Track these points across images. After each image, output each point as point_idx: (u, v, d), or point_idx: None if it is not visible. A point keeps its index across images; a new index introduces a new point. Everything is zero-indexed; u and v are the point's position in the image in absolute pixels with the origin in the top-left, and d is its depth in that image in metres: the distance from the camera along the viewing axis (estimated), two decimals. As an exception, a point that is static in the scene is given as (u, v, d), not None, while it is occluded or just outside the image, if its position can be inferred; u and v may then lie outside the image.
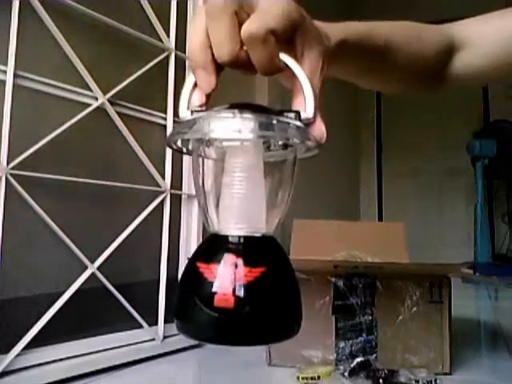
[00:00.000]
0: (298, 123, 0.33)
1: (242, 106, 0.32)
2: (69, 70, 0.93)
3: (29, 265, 0.86)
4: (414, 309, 0.86)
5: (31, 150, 0.83)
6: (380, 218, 3.46)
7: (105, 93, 0.97)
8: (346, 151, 3.27)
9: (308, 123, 0.34)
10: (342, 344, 0.86)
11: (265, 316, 0.31)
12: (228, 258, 0.31)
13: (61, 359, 0.82)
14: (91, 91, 0.95)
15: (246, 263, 0.31)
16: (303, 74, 0.34)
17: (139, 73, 1.04)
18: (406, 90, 0.60)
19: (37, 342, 0.79)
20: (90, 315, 0.93)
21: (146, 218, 1.01)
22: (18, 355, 0.76)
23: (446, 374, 0.84)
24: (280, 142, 0.36)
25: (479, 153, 2.79)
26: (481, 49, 0.55)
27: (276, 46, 0.32)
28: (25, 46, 0.84)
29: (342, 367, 0.84)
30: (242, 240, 0.32)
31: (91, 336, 0.88)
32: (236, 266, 0.31)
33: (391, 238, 1.08)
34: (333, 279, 0.88)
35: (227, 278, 0.30)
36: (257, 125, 0.31)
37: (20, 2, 0.83)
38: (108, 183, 0.97)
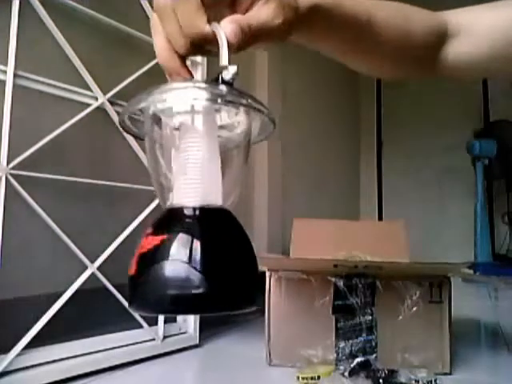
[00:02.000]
0: (249, 93, 0.34)
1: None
2: (69, 70, 0.93)
3: (29, 265, 0.86)
4: (414, 309, 0.86)
5: (31, 150, 0.83)
6: (380, 218, 3.46)
7: (105, 93, 0.97)
8: (346, 151, 3.27)
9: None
10: (341, 344, 0.86)
11: (166, 283, 0.31)
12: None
13: (61, 359, 0.82)
14: (91, 91, 0.95)
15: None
16: (219, 28, 0.34)
17: (139, 73, 1.04)
18: (393, 74, 0.57)
19: (37, 342, 0.79)
20: (89, 315, 0.93)
21: (146, 218, 1.01)
22: (18, 355, 0.76)
23: (445, 373, 0.84)
24: (240, 122, 0.36)
25: (479, 153, 2.78)
26: (476, 38, 0.54)
27: (195, 14, 0.34)
28: (25, 45, 0.84)
29: (342, 367, 0.84)
30: (197, 212, 0.33)
31: (91, 336, 0.88)
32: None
33: (392, 236, 1.08)
34: (333, 279, 0.88)
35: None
36: (211, 93, 0.33)
37: (20, 2, 0.83)
38: (108, 183, 0.97)
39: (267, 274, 0.91)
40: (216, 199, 0.34)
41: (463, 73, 0.58)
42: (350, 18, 0.45)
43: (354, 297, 0.87)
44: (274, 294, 0.90)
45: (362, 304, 0.87)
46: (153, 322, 0.98)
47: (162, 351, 0.96)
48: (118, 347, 0.90)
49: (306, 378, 0.79)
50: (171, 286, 0.31)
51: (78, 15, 0.96)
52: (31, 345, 0.78)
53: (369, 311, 0.86)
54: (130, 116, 0.37)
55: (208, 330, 1.09)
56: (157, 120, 0.36)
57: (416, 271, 0.90)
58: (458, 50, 0.54)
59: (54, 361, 0.81)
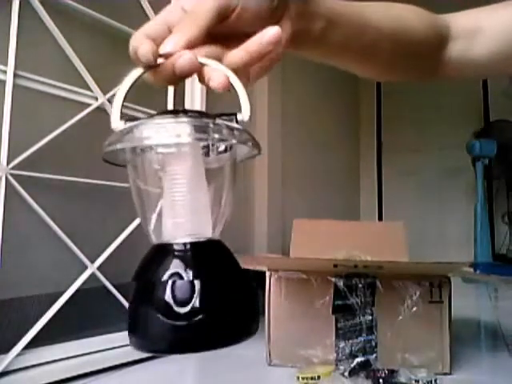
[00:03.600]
0: (235, 125, 0.32)
1: (177, 112, 0.32)
2: (69, 69, 0.93)
3: (29, 265, 0.86)
4: (414, 309, 0.86)
5: (31, 150, 0.83)
6: (380, 218, 3.46)
7: (105, 93, 0.97)
8: (346, 151, 3.27)
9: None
10: (341, 344, 0.86)
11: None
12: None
13: (61, 359, 0.82)
14: (91, 91, 0.95)
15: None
16: (234, 76, 0.33)
17: (139, 73, 1.04)
18: (392, 77, 0.56)
19: (37, 342, 0.79)
20: (90, 315, 0.93)
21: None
22: (18, 355, 0.76)
23: (445, 373, 0.84)
24: (221, 147, 0.35)
25: (479, 153, 2.78)
26: (481, 40, 0.53)
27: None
28: (25, 45, 0.84)
29: (342, 367, 0.84)
30: (188, 247, 0.32)
31: (91, 336, 0.88)
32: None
33: (391, 237, 1.08)
34: (333, 279, 0.88)
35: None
36: (192, 128, 0.31)
37: (20, 2, 0.83)
38: (108, 183, 0.97)
39: (267, 274, 0.91)
40: (206, 231, 0.33)
41: (466, 74, 0.57)
42: (344, 17, 0.43)
43: (354, 297, 0.87)
44: (274, 294, 0.90)
45: (362, 304, 0.87)
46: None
47: (161, 351, 0.96)
48: (118, 347, 0.90)
49: (306, 378, 0.79)
50: (169, 326, 0.30)
51: (77, 15, 0.96)
52: (31, 345, 0.78)
53: (369, 311, 0.86)
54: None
55: (208, 330, 1.09)
56: (139, 150, 0.34)
57: (416, 271, 0.90)
58: (461, 52, 0.54)
59: (54, 361, 0.81)
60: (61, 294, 0.84)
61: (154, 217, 0.34)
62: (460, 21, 0.55)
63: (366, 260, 0.99)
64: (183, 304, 0.30)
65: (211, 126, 0.31)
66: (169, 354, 0.32)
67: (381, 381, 0.79)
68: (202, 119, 0.31)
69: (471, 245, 2.82)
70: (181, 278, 0.30)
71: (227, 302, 0.31)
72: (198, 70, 0.33)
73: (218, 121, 0.32)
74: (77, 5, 0.94)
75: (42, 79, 0.87)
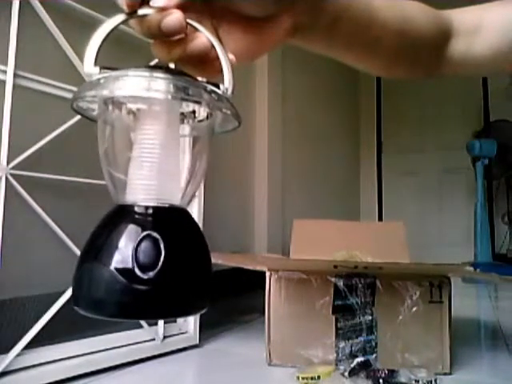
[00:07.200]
0: (217, 90, 0.31)
1: (159, 67, 0.30)
2: (69, 69, 0.93)
3: (29, 265, 0.86)
4: (414, 309, 0.86)
5: (31, 150, 0.83)
6: (380, 218, 3.46)
7: (105, 93, 0.97)
8: (346, 151, 3.28)
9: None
10: (341, 344, 0.86)
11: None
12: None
13: (61, 359, 0.82)
14: (91, 91, 0.95)
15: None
16: (219, 44, 0.31)
17: (139, 73, 1.04)
18: (394, 72, 0.55)
19: (37, 342, 0.79)
20: (90, 315, 0.93)
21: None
22: (18, 355, 0.76)
23: (446, 373, 0.84)
24: (200, 115, 0.33)
25: (479, 153, 2.78)
26: (484, 35, 0.53)
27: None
28: (25, 45, 0.84)
29: (342, 367, 0.84)
30: (149, 210, 0.30)
31: (91, 336, 0.88)
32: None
33: (391, 237, 1.08)
34: (333, 279, 0.88)
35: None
36: (169, 85, 0.29)
37: (20, 2, 0.83)
38: (108, 183, 0.97)
39: (267, 274, 0.91)
40: (172, 197, 0.31)
41: (468, 71, 0.57)
42: (350, 12, 0.43)
43: (354, 297, 0.87)
44: (274, 294, 0.90)
45: (361, 304, 0.87)
46: (153, 322, 0.98)
47: (162, 351, 0.96)
48: (118, 347, 0.90)
49: (306, 378, 0.79)
50: (114, 289, 0.28)
51: (77, 15, 0.96)
52: (31, 345, 0.78)
53: (369, 311, 0.86)
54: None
55: (208, 330, 1.09)
56: (111, 103, 0.33)
57: (416, 271, 0.90)
58: (463, 49, 0.54)
59: (54, 361, 0.81)
60: (61, 294, 0.84)
61: (120, 177, 0.32)
62: (462, 17, 0.54)
63: (366, 261, 0.99)
64: (130, 269, 0.28)
65: (191, 86, 0.29)
66: (111, 319, 0.30)
67: (381, 381, 0.79)
68: (182, 78, 0.30)
69: (471, 245, 2.82)
70: (135, 241, 0.28)
71: (179, 274, 0.29)
72: (183, 32, 0.31)
73: (200, 83, 0.30)
74: (77, 5, 0.94)
75: (42, 79, 0.87)
